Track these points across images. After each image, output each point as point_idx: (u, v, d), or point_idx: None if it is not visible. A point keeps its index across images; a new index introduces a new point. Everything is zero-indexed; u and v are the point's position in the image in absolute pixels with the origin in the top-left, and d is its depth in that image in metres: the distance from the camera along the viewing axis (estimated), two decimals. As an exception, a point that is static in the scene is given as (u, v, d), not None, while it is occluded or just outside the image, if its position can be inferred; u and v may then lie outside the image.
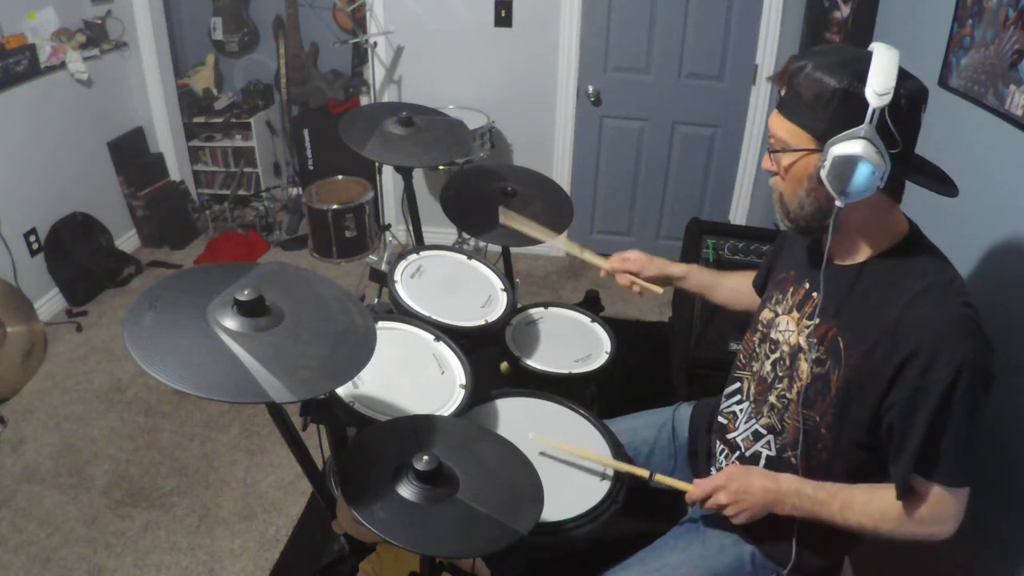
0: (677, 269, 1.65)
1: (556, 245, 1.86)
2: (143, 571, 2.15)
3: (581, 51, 3.56)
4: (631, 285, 1.64)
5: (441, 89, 3.70)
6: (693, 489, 1.32)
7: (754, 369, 1.40)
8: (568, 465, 1.45)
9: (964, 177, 1.18)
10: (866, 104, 1.03)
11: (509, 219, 1.82)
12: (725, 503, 1.27)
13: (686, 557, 1.37)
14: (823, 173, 1.09)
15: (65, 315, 3.39)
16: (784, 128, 1.14)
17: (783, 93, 1.14)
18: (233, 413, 2.78)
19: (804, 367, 1.24)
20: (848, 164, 1.05)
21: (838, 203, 1.10)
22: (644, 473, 1.38)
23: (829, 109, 1.07)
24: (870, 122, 1.04)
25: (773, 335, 1.34)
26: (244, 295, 1.05)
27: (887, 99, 1.02)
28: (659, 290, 1.64)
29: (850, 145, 1.05)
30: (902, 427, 1.11)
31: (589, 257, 1.73)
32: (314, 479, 1.45)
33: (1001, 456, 1.38)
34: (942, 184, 1.15)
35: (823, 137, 1.09)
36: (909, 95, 1.06)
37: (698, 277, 1.66)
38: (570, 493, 1.37)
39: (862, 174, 1.05)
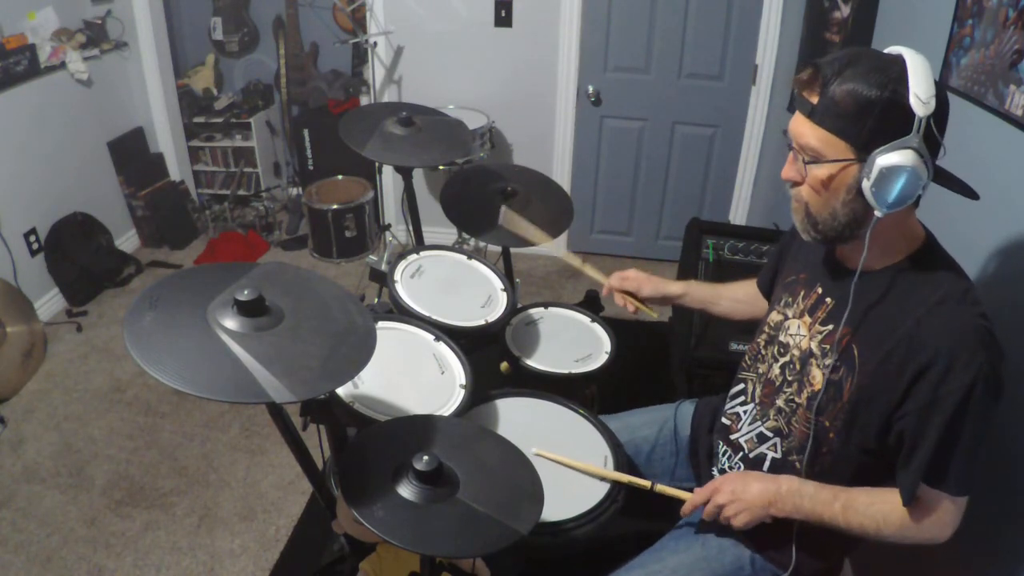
0: (675, 288, 1.66)
1: (558, 255, 1.90)
2: (143, 571, 2.15)
3: (581, 51, 3.56)
4: (626, 305, 1.69)
5: (441, 89, 3.70)
6: (691, 497, 1.32)
7: (760, 371, 1.39)
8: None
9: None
10: (909, 113, 1.01)
11: (510, 221, 1.83)
12: (723, 503, 1.27)
13: (686, 559, 1.37)
14: (866, 184, 1.05)
15: (65, 315, 3.39)
16: (817, 137, 1.08)
17: (814, 100, 1.08)
18: (233, 413, 2.78)
19: (816, 372, 1.23)
20: (895, 175, 1.02)
21: (878, 214, 1.06)
22: (646, 484, 1.38)
23: (871, 119, 1.03)
24: (917, 131, 1.02)
25: (782, 338, 1.33)
26: (244, 295, 1.05)
27: (931, 107, 1.01)
28: (655, 314, 1.69)
29: (898, 155, 1.02)
30: (914, 436, 1.11)
31: (590, 271, 1.80)
32: (314, 479, 1.45)
33: (1002, 459, 1.38)
34: (964, 188, 1.14)
35: (864, 147, 1.05)
36: (944, 101, 1.05)
37: (697, 293, 1.67)
38: (570, 493, 1.36)
39: (908, 184, 1.02)
